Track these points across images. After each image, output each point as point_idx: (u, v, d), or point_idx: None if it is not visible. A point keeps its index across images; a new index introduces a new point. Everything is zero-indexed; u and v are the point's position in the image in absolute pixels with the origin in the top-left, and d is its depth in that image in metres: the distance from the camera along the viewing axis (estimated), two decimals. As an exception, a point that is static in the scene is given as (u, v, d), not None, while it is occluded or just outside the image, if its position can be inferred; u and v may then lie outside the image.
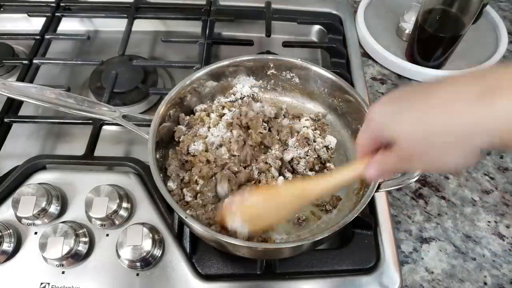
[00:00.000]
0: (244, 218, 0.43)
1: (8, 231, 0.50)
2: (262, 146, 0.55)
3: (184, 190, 0.52)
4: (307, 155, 0.55)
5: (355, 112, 0.57)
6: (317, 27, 0.85)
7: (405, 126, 0.31)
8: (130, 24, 0.76)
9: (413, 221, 0.61)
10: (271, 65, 0.60)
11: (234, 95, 0.62)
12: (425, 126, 0.30)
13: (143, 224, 0.50)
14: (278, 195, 0.45)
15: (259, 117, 0.56)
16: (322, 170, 0.56)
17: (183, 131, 0.56)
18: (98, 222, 0.51)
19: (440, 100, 0.29)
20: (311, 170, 0.55)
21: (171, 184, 0.52)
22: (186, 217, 0.43)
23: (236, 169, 0.52)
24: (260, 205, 0.44)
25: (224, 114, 0.58)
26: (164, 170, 0.54)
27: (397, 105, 0.32)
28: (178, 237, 0.52)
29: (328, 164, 0.56)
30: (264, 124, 0.57)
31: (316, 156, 0.56)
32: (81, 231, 0.50)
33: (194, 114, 0.59)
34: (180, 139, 0.55)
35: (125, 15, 0.78)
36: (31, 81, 0.68)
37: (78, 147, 0.59)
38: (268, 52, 0.75)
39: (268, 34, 0.77)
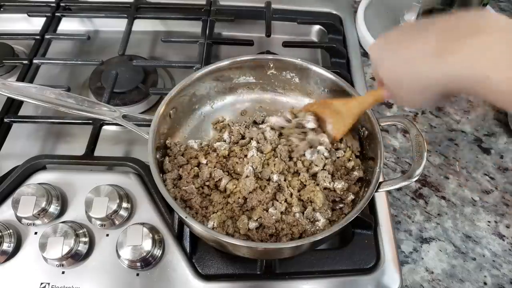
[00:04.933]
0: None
1: (8, 231, 0.50)
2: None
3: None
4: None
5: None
6: (317, 27, 0.85)
7: (385, 71, 0.40)
8: (130, 24, 0.76)
9: (413, 221, 0.61)
10: (271, 65, 0.60)
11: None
12: (397, 75, 0.38)
13: (143, 224, 0.50)
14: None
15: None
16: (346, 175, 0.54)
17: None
18: (98, 222, 0.51)
19: (410, 55, 0.36)
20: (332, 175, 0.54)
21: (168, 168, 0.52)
22: (186, 217, 0.43)
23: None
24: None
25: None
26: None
27: (386, 49, 0.40)
28: (178, 237, 0.52)
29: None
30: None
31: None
32: (81, 231, 0.50)
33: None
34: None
35: (125, 15, 0.78)
36: (31, 81, 0.68)
37: (78, 147, 0.59)
38: (268, 52, 0.75)
39: (268, 34, 0.77)
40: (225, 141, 0.57)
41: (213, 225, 0.48)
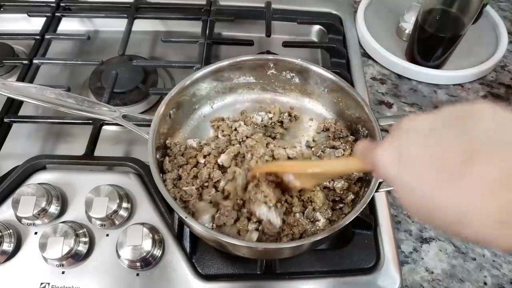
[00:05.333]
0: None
1: (8, 231, 0.50)
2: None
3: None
4: None
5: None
6: (317, 27, 0.85)
7: (411, 203, 0.29)
8: (130, 24, 0.76)
9: (413, 221, 0.61)
10: (271, 65, 0.60)
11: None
12: (431, 216, 0.27)
13: (143, 224, 0.50)
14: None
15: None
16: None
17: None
18: (98, 222, 0.51)
19: (456, 206, 0.25)
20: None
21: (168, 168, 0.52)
22: (186, 217, 0.43)
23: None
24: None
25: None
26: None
27: (410, 169, 0.28)
28: (178, 237, 0.52)
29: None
30: None
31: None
32: (81, 231, 0.50)
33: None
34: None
35: (125, 15, 0.78)
36: (31, 81, 0.68)
37: (78, 147, 0.59)
38: (268, 52, 0.75)
39: (268, 34, 0.77)
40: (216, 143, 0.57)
41: (213, 225, 0.48)
